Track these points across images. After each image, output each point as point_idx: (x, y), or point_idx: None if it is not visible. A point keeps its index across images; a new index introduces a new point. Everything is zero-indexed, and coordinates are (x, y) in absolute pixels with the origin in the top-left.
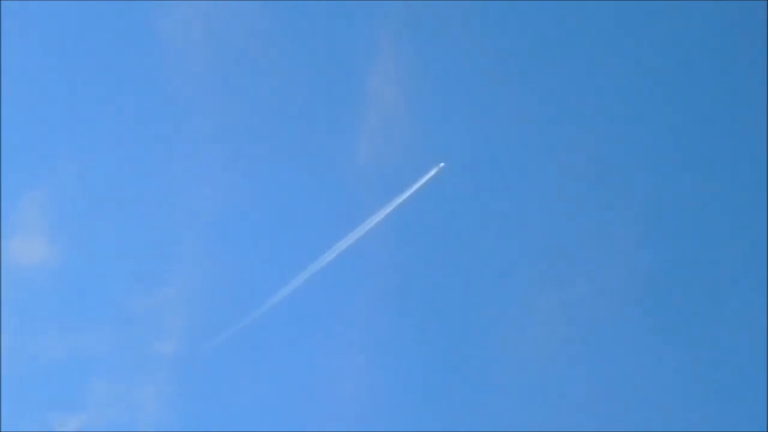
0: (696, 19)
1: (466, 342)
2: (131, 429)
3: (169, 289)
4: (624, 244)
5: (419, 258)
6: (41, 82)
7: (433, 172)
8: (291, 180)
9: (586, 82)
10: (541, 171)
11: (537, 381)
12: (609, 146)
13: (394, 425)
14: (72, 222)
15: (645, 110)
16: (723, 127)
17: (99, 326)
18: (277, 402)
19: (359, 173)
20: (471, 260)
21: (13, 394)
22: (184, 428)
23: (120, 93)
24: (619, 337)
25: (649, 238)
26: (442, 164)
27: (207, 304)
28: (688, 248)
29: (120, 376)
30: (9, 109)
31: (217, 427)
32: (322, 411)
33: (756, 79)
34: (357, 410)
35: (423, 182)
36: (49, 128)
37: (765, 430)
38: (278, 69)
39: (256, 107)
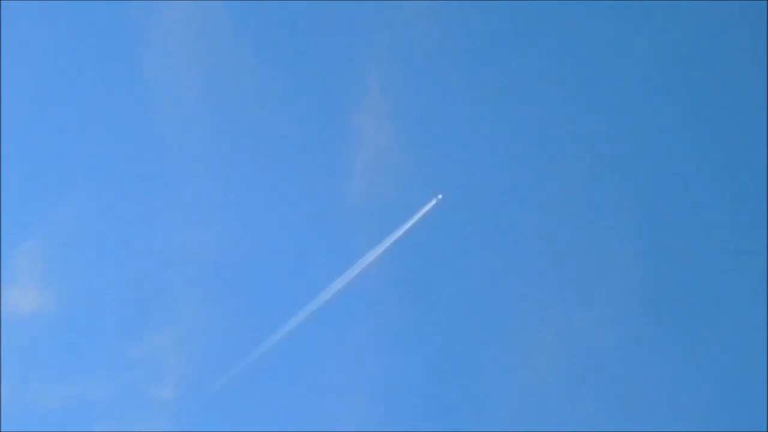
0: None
1: (468, 376)
2: None
3: (166, 334)
4: (625, 274)
5: (417, 293)
6: (32, 133)
7: (430, 205)
8: (285, 221)
9: (579, 114)
10: (538, 202)
11: (539, 413)
12: (607, 178)
13: None
14: (67, 269)
15: (645, 140)
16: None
17: (97, 373)
18: None
19: (352, 211)
20: (469, 294)
21: None
22: None
23: (111, 139)
24: (620, 367)
25: (651, 268)
26: (440, 196)
27: (204, 349)
28: (690, 276)
29: (119, 422)
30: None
31: None
32: None
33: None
34: None
35: (420, 216)
36: (43, 178)
37: (765, 430)
38: (268, 110)
39: (247, 148)
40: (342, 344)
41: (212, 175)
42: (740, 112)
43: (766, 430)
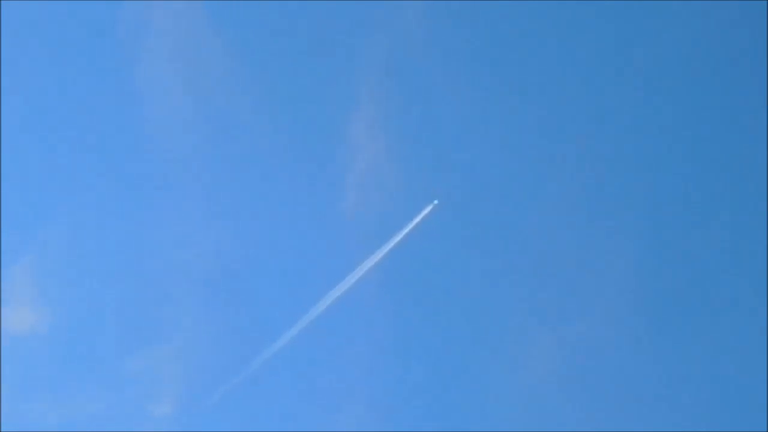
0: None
1: (466, 382)
2: None
3: (162, 349)
4: (623, 279)
5: (413, 302)
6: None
7: (427, 210)
8: (280, 232)
9: (574, 120)
10: (534, 207)
11: (538, 419)
12: (604, 183)
13: None
14: (62, 286)
15: (644, 145)
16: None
17: (95, 389)
18: None
19: (347, 221)
20: (466, 301)
21: None
22: None
23: (102, 152)
24: (619, 371)
25: (649, 273)
26: (435, 202)
27: (201, 363)
28: (689, 281)
29: None
30: None
31: None
32: None
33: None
34: None
35: (416, 222)
36: (34, 194)
37: (765, 430)
38: (259, 121)
39: (239, 161)
40: (340, 356)
41: (205, 190)
42: (740, 113)
43: (766, 430)
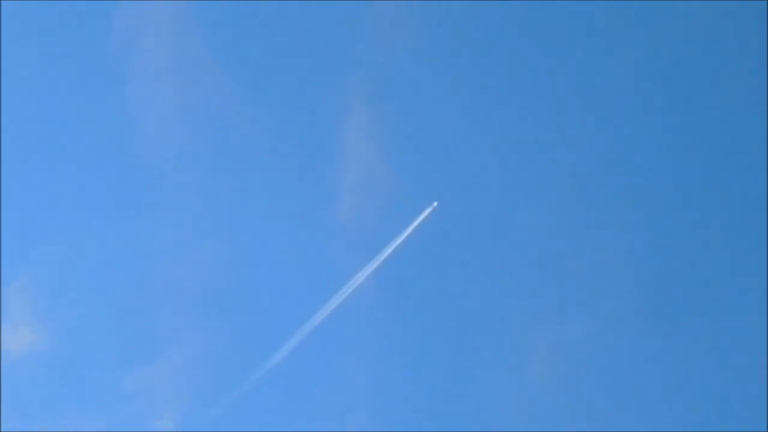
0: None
1: (463, 386)
2: None
3: (162, 365)
4: (620, 283)
5: (411, 307)
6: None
7: (427, 212)
8: (276, 244)
9: (570, 123)
10: (530, 211)
11: (536, 422)
12: (602, 187)
13: None
14: (59, 306)
15: (643, 148)
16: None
17: (95, 407)
18: None
19: (343, 228)
20: (463, 305)
21: None
22: None
23: (96, 173)
24: (616, 374)
25: (646, 276)
26: (435, 203)
27: (201, 377)
28: (686, 283)
29: None
30: None
31: None
32: None
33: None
34: None
35: (415, 225)
36: (29, 216)
37: (765, 430)
38: (252, 132)
39: (233, 172)
40: (339, 366)
41: (200, 203)
42: (741, 113)
43: (766, 430)
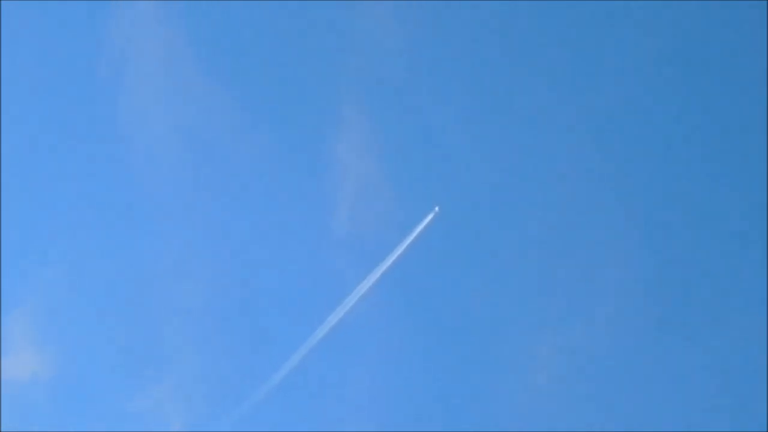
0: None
1: (470, 393)
2: None
3: (166, 386)
4: (624, 285)
5: (413, 316)
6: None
7: (429, 218)
8: (277, 258)
9: (568, 128)
10: (531, 217)
11: (540, 425)
12: (604, 188)
13: None
14: (61, 330)
15: (643, 150)
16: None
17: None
18: None
19: (343, 240)
20: (466, 310)
21: None
22: None
23: (93, 193)
24: (620, 377)
25: (650, 278)
26: (437, 209)
27: (205, 396)
28: (690, 285)
29: None
30: None
31: None
32: None
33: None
34: None
35: (418, 231)
36: (27, 240)
37: (765, 430)
38: (244, 149)
39: (228, 189)
40: (344, 381)
41: (198, 220)
42: (741, 113)
43: (766, 430)
